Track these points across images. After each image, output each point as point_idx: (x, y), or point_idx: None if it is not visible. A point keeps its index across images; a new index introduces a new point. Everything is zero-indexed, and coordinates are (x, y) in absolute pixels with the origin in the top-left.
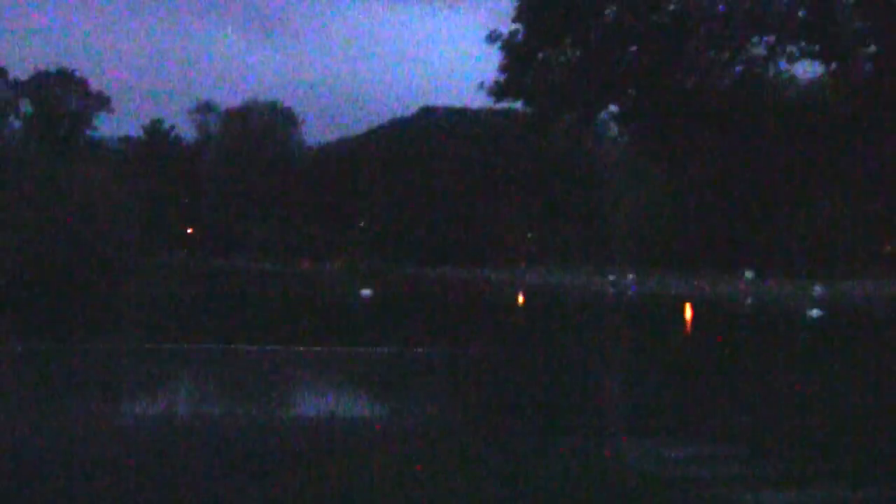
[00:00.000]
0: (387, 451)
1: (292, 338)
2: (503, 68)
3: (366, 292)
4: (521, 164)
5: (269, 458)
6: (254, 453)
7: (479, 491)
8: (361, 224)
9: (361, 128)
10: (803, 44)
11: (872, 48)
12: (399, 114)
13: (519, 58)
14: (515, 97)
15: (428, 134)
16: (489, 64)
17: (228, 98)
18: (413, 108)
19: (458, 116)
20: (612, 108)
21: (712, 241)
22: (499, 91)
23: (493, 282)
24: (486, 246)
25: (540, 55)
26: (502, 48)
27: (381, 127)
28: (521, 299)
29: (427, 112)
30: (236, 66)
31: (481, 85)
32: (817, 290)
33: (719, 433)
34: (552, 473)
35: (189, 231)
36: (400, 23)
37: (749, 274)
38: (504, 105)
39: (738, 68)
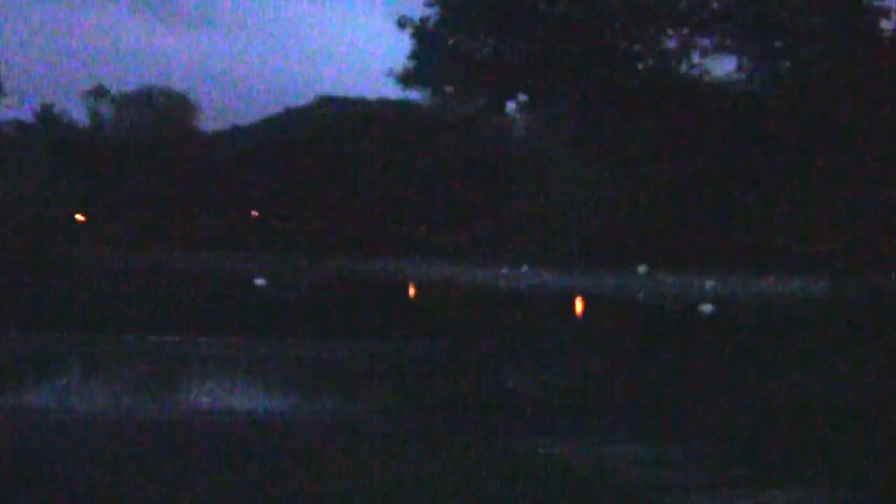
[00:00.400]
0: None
1: (184, 328)
2: (413, 55)
3: (260, 281)
4: (420, 155)
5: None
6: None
7: (423, 494)
8: (255, 213)
9: (256, 116)
10: (716, 38)
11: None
12: (295, 103)
13: (429, 44)
14: (425, 84)
15: (323, 123)
16: (388, 54)
17: (123, 84)
18: (309, 97)
19: (355, 106)
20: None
21: (611, 235)
22: (408, 78)
23: (382, 274)
24: (381, 237)
25: (451, 41)
26: (413, 35)
27: (276, 116)
28: (411, 292)
29: (323, 102)
30: (131, 52)
31: (390, 72)
32: (709, 285)
33: (651, 433)
34: (495, 477)
35: (81, 218)
36: (298, 11)
37: (642, 268)
38: (411, 92)
39: (651, 62)
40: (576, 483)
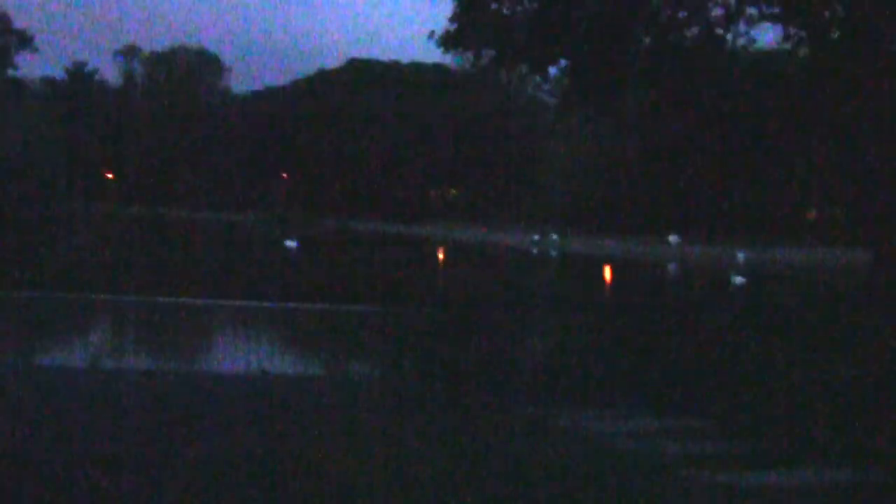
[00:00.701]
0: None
1: (217, 291)
2: (455, 17)
3: (291, 244)
4: (452, 119)
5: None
6: (185, 409)
7: (430, 464)
8: (285, 176)
9: (288, 78)
10: (763, 6)
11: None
12: (326, 65)
13: (472, 6)
14: (466, 47)
15: (355, 86)
16: (419, 17)
17: (153, 43)
18: (340, 59)
19: (386, 70)
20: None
21: (643, 204)
22: (450, 40)
23: (418, 238)
24: (412, 202)
25: (494, 5)
26: None
27: (307, 78)
28: (441, 256)
29: (354, 64)
30: (162, 10)
31: (431, 34)
32: (740, 256)
33: (676, 405)
34: (507, 447)
35: (110, 177)
36: None
37: (673, 238)
38: (452, 55)
39: (696, 29)
40: (602, 455)
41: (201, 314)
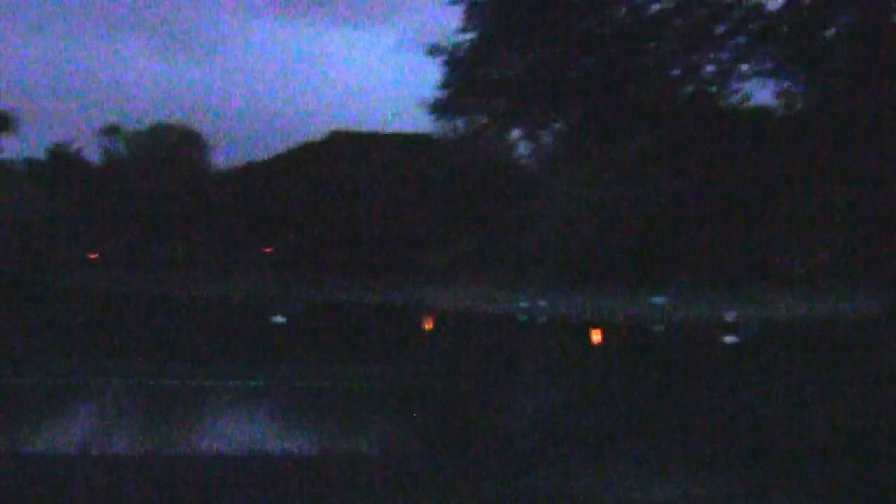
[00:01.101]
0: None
1: (207, 370)
2: (444, 84)
3: (279, 319)
4: (433, 187)
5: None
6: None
7: None
8: (268, 250)
9: (272, 151)
10: (755, 63)
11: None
12: (309, 138)
13: (462, 71)
14: (457, 113)
15: (339, 157)
16: (398, 87)
17: (135, 119)
18: (324, 131)
19: (370, 140)
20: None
21: (632, 261)
22: (441, 107)
23: (403, 308)
24: (400, 270)
25: (485, 70)
26: (445, 63)
27: (291, 151)
28: (427, 326)
29: (338, 136)
30: (143, 88)
31: (421, 102)
32: (731, 315)
33: (698, 471)
34: None
35: (92, 256)
36: (308, 44)
37: (660, 299)
38: (444, 121)
39: (689, 88)
40: None
41: (192, 395)
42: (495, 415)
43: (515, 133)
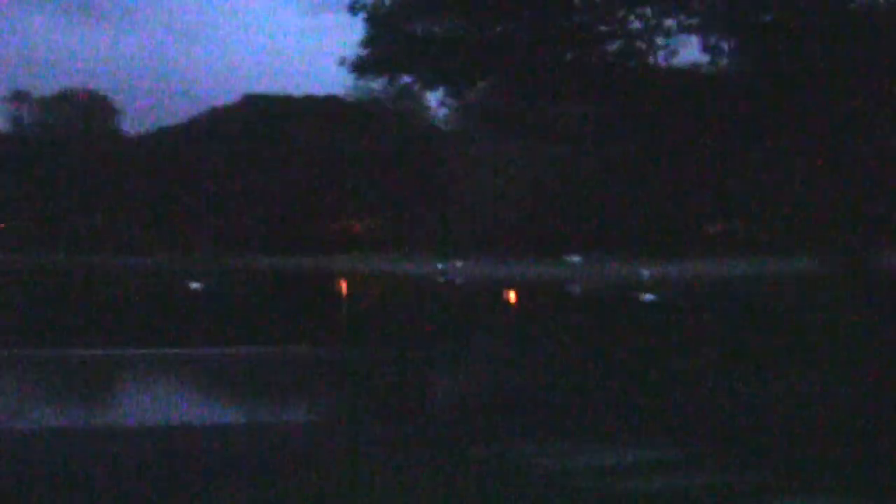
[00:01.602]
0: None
1: (123, 339)
2: (367, 41)
3: (195, 285)
4: (355, 150)
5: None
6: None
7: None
8: (184, 216)
9: (183, 117)
10: (682, 17)
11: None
12: (220, 102)
13: (386, 29)
14: (380, 72)
15: (252, 121)
16: (311, 52)
17: (43, 86)
18: (235, 96)
19: (281, 103)
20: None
21: (548, 226)
22: (362, 66)
23: (323, 272)
24: (319, 234)
25: (410, 26)
26: (367, 19)
27: (201, 115)
28: (344, 289)
29: (249, 100)
30: (51, 53)
31: (342, 60)
32: (645, 273)
33: (628, 434)
34: (467, 490)
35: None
36: (218, 10)
37: (575, 258)
38: (364, 81)
39: (616, 43)
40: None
41: (108, 365)
42: (423, 382)
43: (439, 93)
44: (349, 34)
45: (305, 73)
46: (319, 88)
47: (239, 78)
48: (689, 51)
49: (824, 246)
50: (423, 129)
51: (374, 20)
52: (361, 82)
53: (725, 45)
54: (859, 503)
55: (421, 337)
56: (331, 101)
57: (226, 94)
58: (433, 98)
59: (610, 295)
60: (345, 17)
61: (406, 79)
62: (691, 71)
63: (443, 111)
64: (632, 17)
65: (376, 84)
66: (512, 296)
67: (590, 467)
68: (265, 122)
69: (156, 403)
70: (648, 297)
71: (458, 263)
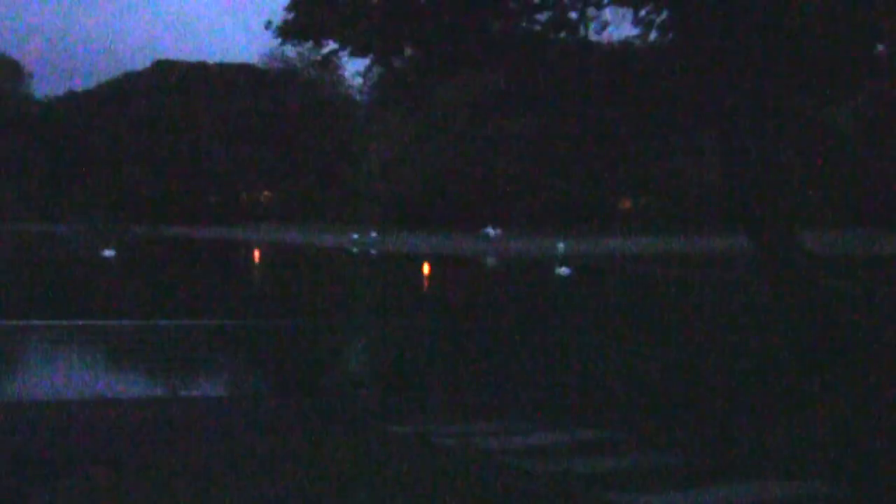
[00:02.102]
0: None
1: (31, 311)
2: (293, 5)
3: (108, 253)
4: (264, 119)
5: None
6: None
7: (301, 485)
8: (88, 182)
9: (93, 81)
10: None
11: None
12: (132, 67)
13: None
14: (306, 37)
15: (162, 88)
16: (220, 19)
17: None
18: (147, 61)
19: (193, 70)
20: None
21: (462, 200)
22: (289, 30)
23: (233, 242)
24: (225, 204)
25: None
26: None
27: (113, 80)
28: (261, 260)
29: (161, 66)
30: None
31: (268, 24)
32: (560, 247)
33: (560, 413)
34: (390, 470)
35: None
36: None
37: (492, 232)
38: (290, 45)
39: (547, 14)
40: (506, 479)
41: (18, 336)
42: (338, 356)
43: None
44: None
45: (220, 42)
46: (234, 57)
47: (152, 44)
48: (627, 28)
49: (747, 226)
50: (338, 100)
51: None
52: (279, 50)
53: (656, 18)
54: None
55: (333, 309)
56: (245, 69)
57: (140, 59)
58: (349, 68)
59: (525, 268)
60: None
61: (332, 45)
62: (617, 46)
63: (357, 81)
64: None
65: (294, 51)
66: (426, 268)
67: (530, 447)
68: (177, 88)
69: (65, 376)
70: (564, 270)
71: (373, 234)
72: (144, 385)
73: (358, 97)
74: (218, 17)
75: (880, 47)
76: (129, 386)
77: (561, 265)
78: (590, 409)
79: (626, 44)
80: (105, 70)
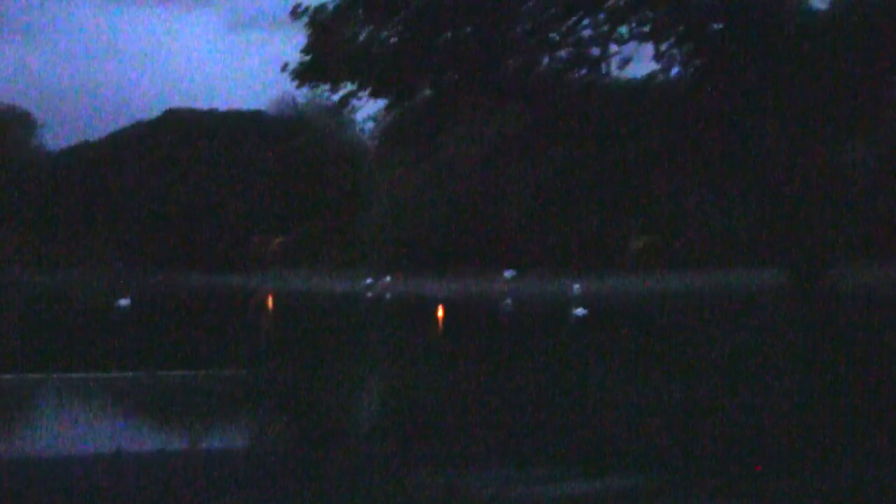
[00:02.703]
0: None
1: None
2: (309, 48)
3: (123, 302)
4: (275, 165)
5: None
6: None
7: None
8: (100, 231)
9: (104, 132)
10: (633, 24)
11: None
12: (143, 116)
13: (328, 34)
14: (323, 79)
15: (174, 136)
16: (230, 67)
17: None
18: (157, 110)
19: (204, 118)
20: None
21: (475, 241)
22: (305, 73)
23: (247, 290)
24: (238, 251)
25: (353, 33)
26: (309, 24)
27: (124, 130)
28: (269, 305)
29: (172, 114)
30: None
31: (285, 67)
32: (576, 288)
33: (589, 460)
34: None
35: None
36: (140, 24)
37: (508, 274)
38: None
39: (565, 52)
40: None
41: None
42: (357, 405)
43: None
44: (275, 49)
45: (229, 89)
46: (243, 105)
47: (163, 93)
48: (648, 64)
49: (779, 262)
50: (348, 145)
51: (315, 25)
52: (290, 96)
53: (678, 53)
54: None
55: (349, 355)
56: (255, 115)
57: (150, 109)
58: (359, 113)
59: (542, 310)
60: (268, 34)
61: (349, 86)
62: (638, 82)
63: (369, 125)
64: (583, 25)
65: (305, 97)
66: (443, 312)
67: (568, 496)
68: (188, 135)
69: (85, 428)
70: (580, 311)
71: (387, 279)
72: (163, 437)
73: (369, 142)
74: (228, 63)
75: None
76: (146, 438)
77: (577, 306)
78: (619, 455)
79: (649, 79)
80: (117, 120)
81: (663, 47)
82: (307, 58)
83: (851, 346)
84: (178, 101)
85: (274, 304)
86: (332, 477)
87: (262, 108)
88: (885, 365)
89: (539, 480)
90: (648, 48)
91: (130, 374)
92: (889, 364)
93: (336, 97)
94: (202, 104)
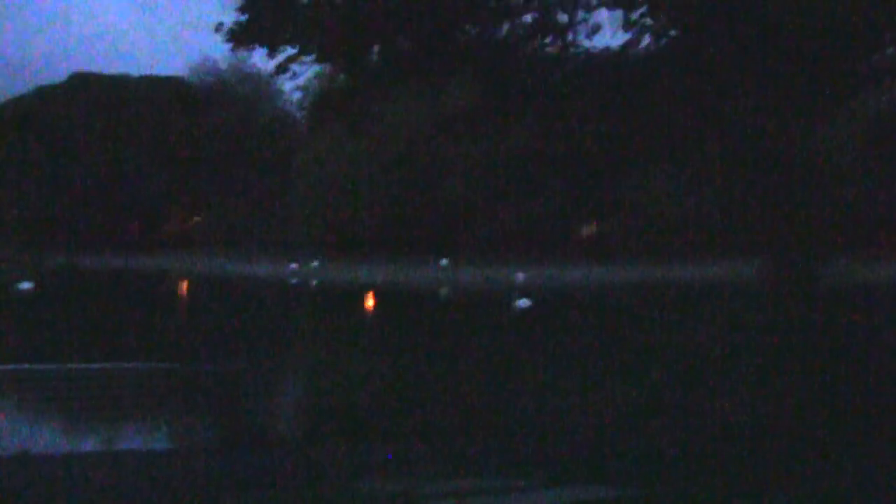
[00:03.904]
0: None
1: None
2: (247, 6)
3: (25, 285)
4: (195, 137)
5: None
6: None
7: None
8: (4, 209)
9: (2, 95)
10: None
11: None
12: (45, 82)
13: None
14: (261, 41)
15: (81, 103)
16: (144, 29)
17: None
18: (62, 75)
19: (114, 83)
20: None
21: (413, 224)
22: (241, 34)
23: (158, 273)
24: (149, 231)
25: None
26: None
27: (24, 96)
28: (184, 290)
29: (78, 79)
30: None
31: (219, 27)
32: (519, 277)
33: (558, 467)
34: None
35: None
36: None
37: (444, 261)
38: (242, 51)
39: (529, 18)
40: None
41: None
42: (287, 403)
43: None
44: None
45: (144, 55)
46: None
47: (69, 56)
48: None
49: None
50: (276, 116)
51: None
52: (211, 62)
53: (649, 21)
54: None
55: (275, 349)
56: (172, 82)
57: (54, 73)
58: (289, 83)
59: (481, 300)
60: None
61: (289, 50)
62: (608, 53)
63: (297, 95)
64: None
65: (228, 64)
66: (375, 301)
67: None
68: (97, 103)
69: None
70: (523, 302)
71: (314, 264)
72: (73, 438)
73: (298, 114)
74: (143, 25)
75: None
76: (56, 438)
77: (520, 297)
78: (586, 463)
79: (619, 51)
80: (15, 84)
81: (635, 15)
82: (243, 17)
83: (826, 341)
84: (84, 65)
85: (188, 289)
86: (275, 483)
87: (181, 74)
88: (856, 358)
89: (501, 491)
90: (619, 16)
91: (35, 366)
92: (864, 357)
93: (274, 62)
94: (112, 69)
